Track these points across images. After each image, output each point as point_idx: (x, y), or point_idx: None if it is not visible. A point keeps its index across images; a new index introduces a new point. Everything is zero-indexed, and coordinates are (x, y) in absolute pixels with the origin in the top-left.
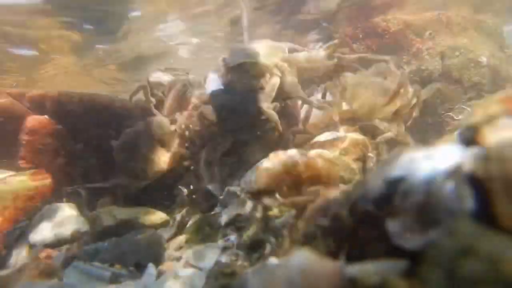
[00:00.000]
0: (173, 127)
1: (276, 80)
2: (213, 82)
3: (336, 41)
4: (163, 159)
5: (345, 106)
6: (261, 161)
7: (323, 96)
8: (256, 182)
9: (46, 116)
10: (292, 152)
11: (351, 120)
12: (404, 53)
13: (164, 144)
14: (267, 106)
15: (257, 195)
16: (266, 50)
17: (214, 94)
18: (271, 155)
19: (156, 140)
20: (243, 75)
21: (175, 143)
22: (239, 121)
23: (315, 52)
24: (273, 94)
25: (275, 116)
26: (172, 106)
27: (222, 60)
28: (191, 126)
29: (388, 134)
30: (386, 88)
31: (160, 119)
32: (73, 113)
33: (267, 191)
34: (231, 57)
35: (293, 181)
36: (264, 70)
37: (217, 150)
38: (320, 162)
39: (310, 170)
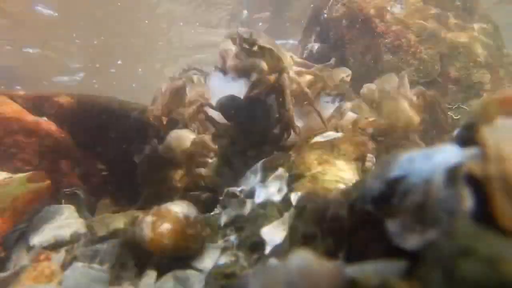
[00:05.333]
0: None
1: (290, 85)
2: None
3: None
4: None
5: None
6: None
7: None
8: None
9: (45, 118)
10: None
11: (381, 133)
12: (403, 53)
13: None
14: (291, 115)
15: None
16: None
17: (228, 105)
18: None
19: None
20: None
21: None
22: (258, 134)
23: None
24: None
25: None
26: (167, 103)
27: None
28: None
29: None
30: (411, 99)
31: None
32: (72, 114)
33: None
34: (254, 34)
35: None
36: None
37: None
38: None
39: None
